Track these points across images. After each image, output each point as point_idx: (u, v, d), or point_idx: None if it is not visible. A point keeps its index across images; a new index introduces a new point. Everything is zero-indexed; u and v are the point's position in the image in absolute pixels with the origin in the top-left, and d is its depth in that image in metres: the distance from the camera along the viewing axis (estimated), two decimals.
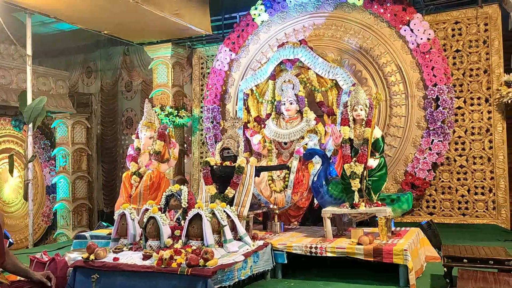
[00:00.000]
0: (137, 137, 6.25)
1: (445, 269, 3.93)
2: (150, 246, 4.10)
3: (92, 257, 3.93)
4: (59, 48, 10.32)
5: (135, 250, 4.13)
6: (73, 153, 9.64)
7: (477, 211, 6.80)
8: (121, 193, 6.04)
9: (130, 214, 4.34)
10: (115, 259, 3.92)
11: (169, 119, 8.48)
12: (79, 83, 10.66)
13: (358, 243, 4.35)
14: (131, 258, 3.94)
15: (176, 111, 8.63)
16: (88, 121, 10.03)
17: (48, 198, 10.07)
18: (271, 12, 7.69)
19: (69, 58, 10.67)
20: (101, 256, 3.94)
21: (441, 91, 6.60)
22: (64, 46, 10.27)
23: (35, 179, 9.94)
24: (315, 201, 5.63)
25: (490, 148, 6.80)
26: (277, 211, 5.54)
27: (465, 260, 3.80)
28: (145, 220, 4.19)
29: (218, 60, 8.12)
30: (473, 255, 3.84)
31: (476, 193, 6.84)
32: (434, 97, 6.66)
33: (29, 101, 7.30)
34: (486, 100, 6.86)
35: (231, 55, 8.02)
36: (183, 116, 8.71)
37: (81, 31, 8.42)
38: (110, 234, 4.91)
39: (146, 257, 3.88)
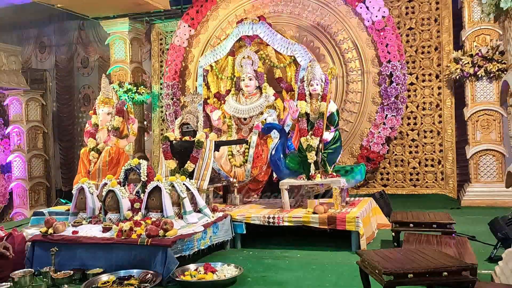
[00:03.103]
0: (95, 113, 6.17)
1: (393, 233, 4.18)
2: (110, 219, 4.14)
3: (50, 231, 3.93)
4: (10, 22, 9.90)
5: (94, 224, 4.16)
6: (28, 131, 9.40)
7: (427, 182, 7.17)
8: (79, 169, 5.98)
9: (89, 188, 4.35)
10: (74, 232, 3.94)
11: (128, 96, 8.38)
12: (32, 59, 10.31)
13: (314, 213, 4.54)
14: (90, 231, 3.97)
15: (135, 88, 8.53)
16: (43, 98, 9.75)
17: (3, 177, 9.80)
18: None
19: (21, 32, 10.27)
20: (59, 230, 3.95)
21: (394, 68, 6.84)
22: (16, 20, 9.85)
23: None
24: (274, 175, 5.77)
25: (440, 122, 7.15)
26: (236, 185, 5.66)
27: (411, 225, 4.07)
28: (104, 193, 4.22)
29: (177, 36, 8.04)
30: (418, 220, 4.10)
31: (426, 165, 7.20)
32: (388, 74, 6.89)
33: None
34: (437, 76, 7.18)
35: (190, 31, 7.97)
36: (143, 93, 8.63)
37: (33, 4, 8.10)
38: (68, 210, 4.88)
39: (105, 229, 3.92)
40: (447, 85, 7.08)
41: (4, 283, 3.40)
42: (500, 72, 6.43)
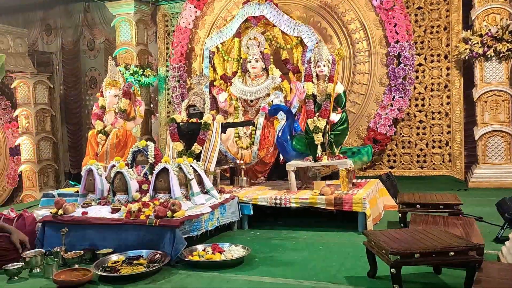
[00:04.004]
0: (102, 95, 6.19)
1: (400, 215, 4.19)
2: (118, 200, 4.18)
3: (60, 212, 3.98)
4: (16, 5, 9.87)
5: (103, 205, 4.20)
6: (36, 113, 9.45)
7: (434, 163, 7.15)
8: (87, 151, 6.03)
9: (97, 170, 4.39)
10: (84, 213, 3.98)
11: (134, 78, 8.37)
12: (39, 41, 10.29)
13: (320, 194, 4.55)
14: (99, 212, 4.01)
15: (141, 70, 8.51)
16: (49, 81, 9.77)
17: (12, 159, 9.90)
18: None
19: (27, 15, 10.23)
20: (69, 211, 4.00)
21: (402, 48, 6.76)
22: (21, 2, 9.82)
23: None
24: (281, 157, 5.78)
25: (448, 103, 7.09)
26: (243, 167, 5.69)
27: (418, 206, 4.07)
28: (112, 175, 4.25)
29: (183, 17, 7.97)
30: (425, 201, 4.10)
31: (433, 147, 7.17)
32: (396, 54, 6.82)
33: None
34: (445, 57, 7.09)
35: (196, 12, 7.90)
36: (149, 75, 8.61)
37: None
38: (77, 192, 4.94)
39: (114, 210, 3.96)
40: (455, 65, 7.00)
41: (16, 263, 3.46)
42: (509, 52, 6.35)
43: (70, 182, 7.03)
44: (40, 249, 3.75)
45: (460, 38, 6.76)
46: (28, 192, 9.48)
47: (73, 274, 3.26)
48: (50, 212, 4.06)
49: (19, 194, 9.84)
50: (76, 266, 3.46)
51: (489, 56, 6.44)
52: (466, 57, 6.65)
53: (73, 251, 3.67)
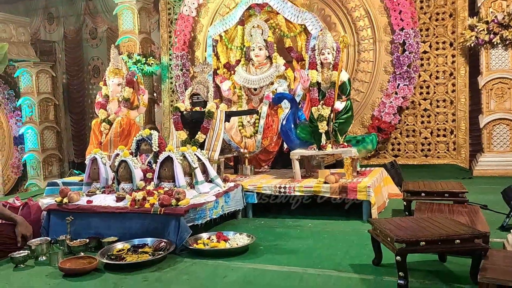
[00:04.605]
0: (105, 84, 6.17)
1: (404, 203, 4.18)
2: (123, 189, 4.18)
3: (65, 200, 3.99)
4: None
5: (108, 193, 4.20)
6: (39, 103, 9.45)
7: (438, 152, 7.12)
8: (91, 140, 6.03)
9: (101, 158, 4.39)
10: (89, 201, 3.99)
11: (137, 67, 8.34)
12: (41, 30, 10.26)
13: (325, 182, 4.54)
14: (104, 200, 4.02)
15: (144, 59, 8.47)
16: (52, 70, 9.74)
17: (16, 149, 9.92)
18: None
19: (28, 3, 10.19)
20: (74, 199, 4.01)
21: (407, 36, 6.70)
22: None
23: (1, 129, 9.74)
24: (285, 146, 5.77)
25: (453, 91, 7.03)
26: (247, 155, 5.68)
27: (423, 194, 4.05)
28: (116, 164, 4.25)
29: (185, 5, 7.91)
30: (430, 189, 4.09)
31: (438, 135, 7.13)
32: (401, 42, 6.76)
33: None
34: (451, 44, 7.02)
35: (198, 0, 7.83)
36: (152, 64, 8.57)
37: None
38: (82, 181, 4.95)
39: (119, 199, 3.97)
40: (461, 53, 6.93)
41: (22, 251, 3.48)
42: None
43: (74, 171, 7.06)
44: (46, 237, 3.77)
45: (466, 25, 6.68)
46: (33, 181, 9.52)
47: (79, 262, 3.28)
48: (55, 201, 4.08)
49: (23, 183, 9.88)
50: (82, 254, 3.48)
51: (495, 43, 6.37)
52: (472, 44, 6.58)
53: (79, 239, 3.68)
